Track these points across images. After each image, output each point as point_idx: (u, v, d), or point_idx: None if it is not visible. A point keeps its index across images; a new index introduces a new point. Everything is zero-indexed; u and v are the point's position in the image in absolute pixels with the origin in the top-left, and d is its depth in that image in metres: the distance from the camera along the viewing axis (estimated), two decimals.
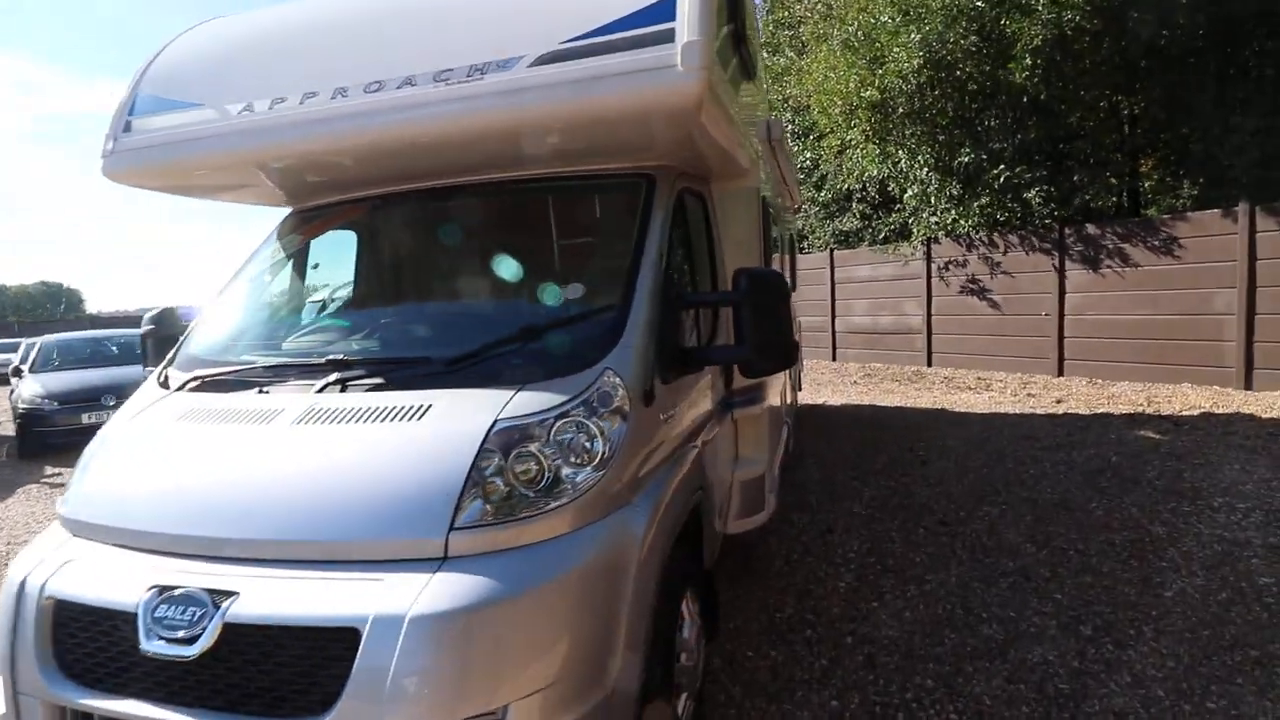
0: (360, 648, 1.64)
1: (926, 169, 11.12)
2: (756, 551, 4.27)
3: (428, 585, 1.71)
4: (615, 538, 1.97)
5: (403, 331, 2.67)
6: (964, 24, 9.52)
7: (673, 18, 2.23)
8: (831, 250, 14.12)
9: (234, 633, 1.75)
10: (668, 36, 2.22)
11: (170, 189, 3.04)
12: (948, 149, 10.64)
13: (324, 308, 3.07)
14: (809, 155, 14.81)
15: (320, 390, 2.31)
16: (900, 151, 11.27)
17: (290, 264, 3.15)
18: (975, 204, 10.49)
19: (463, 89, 2.38)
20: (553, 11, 2.42)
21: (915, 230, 11.83)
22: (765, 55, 17.77)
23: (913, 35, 9.50)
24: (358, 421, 2.10)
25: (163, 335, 3.12)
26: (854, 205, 14.78)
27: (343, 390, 2.30)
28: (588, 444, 2.03)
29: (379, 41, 2.67)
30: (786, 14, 15.17)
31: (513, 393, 2.09)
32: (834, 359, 13.84)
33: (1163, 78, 9.64)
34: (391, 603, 1.68)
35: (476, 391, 2.14)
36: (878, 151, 11.81)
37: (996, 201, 10.35)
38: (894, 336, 12.62)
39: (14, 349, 14.08)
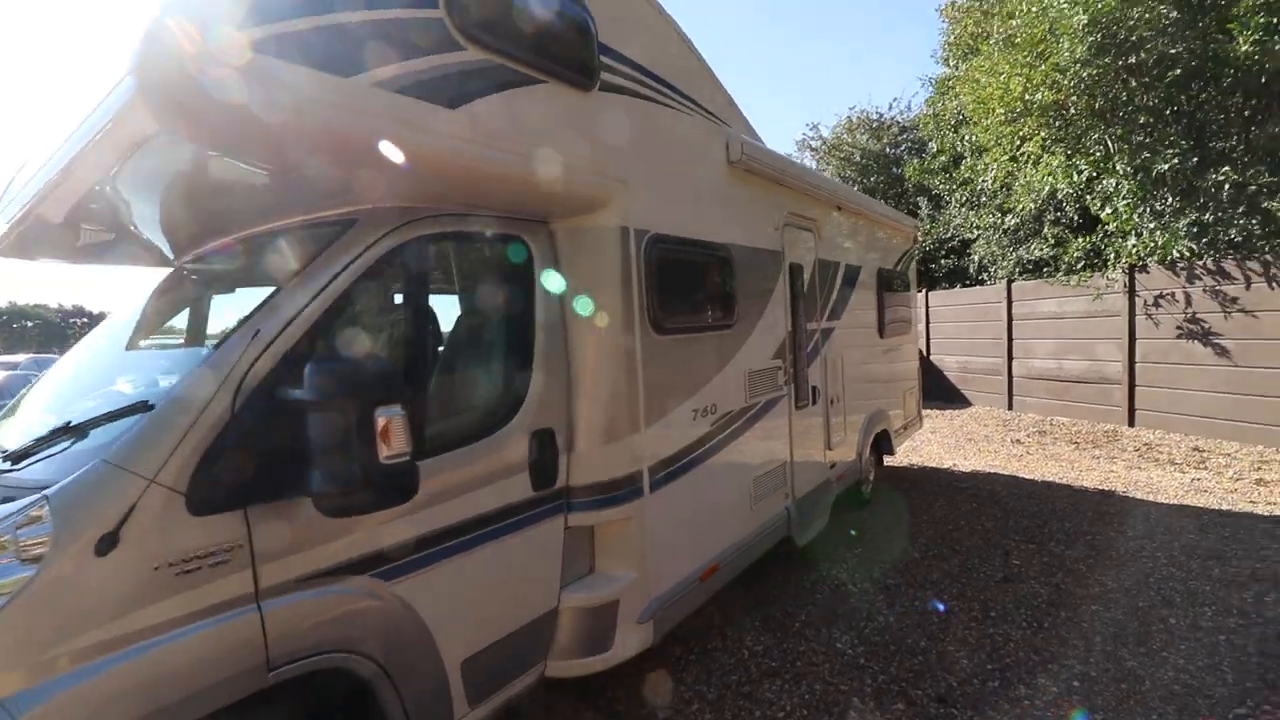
0: None
1: (1123, 179, 8.15)
2: (646, 689, 3.05)
3: None
4: None
5: (48, 414, 2.19)
6: None
7: None
8: (1009, 282, 11.17)
9: None
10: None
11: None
12: (1151, 151, 7.65)
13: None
14: (989, 175, 11.99)
15: None
16: (1082, 161, 8.43)
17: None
18: (1190, 220, 7.37)
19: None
20: None
21: (1111, 256, 8.76)
22: (948, 66, 15.02)
23: (1078, 17, 6.94)
24: None
25: None
26: (1045, 229, 11.58)
27: None
28: None
29: None
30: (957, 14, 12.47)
31: None
32: (1010, 407, 10.89)
33: None
34: None
35: None
36: (1061, 163, 8.99)
37: (1224, 216, 7.15)
38: (1085, 386, 9.48)
39: None
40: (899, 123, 18.85)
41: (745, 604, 3.91)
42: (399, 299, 2.13)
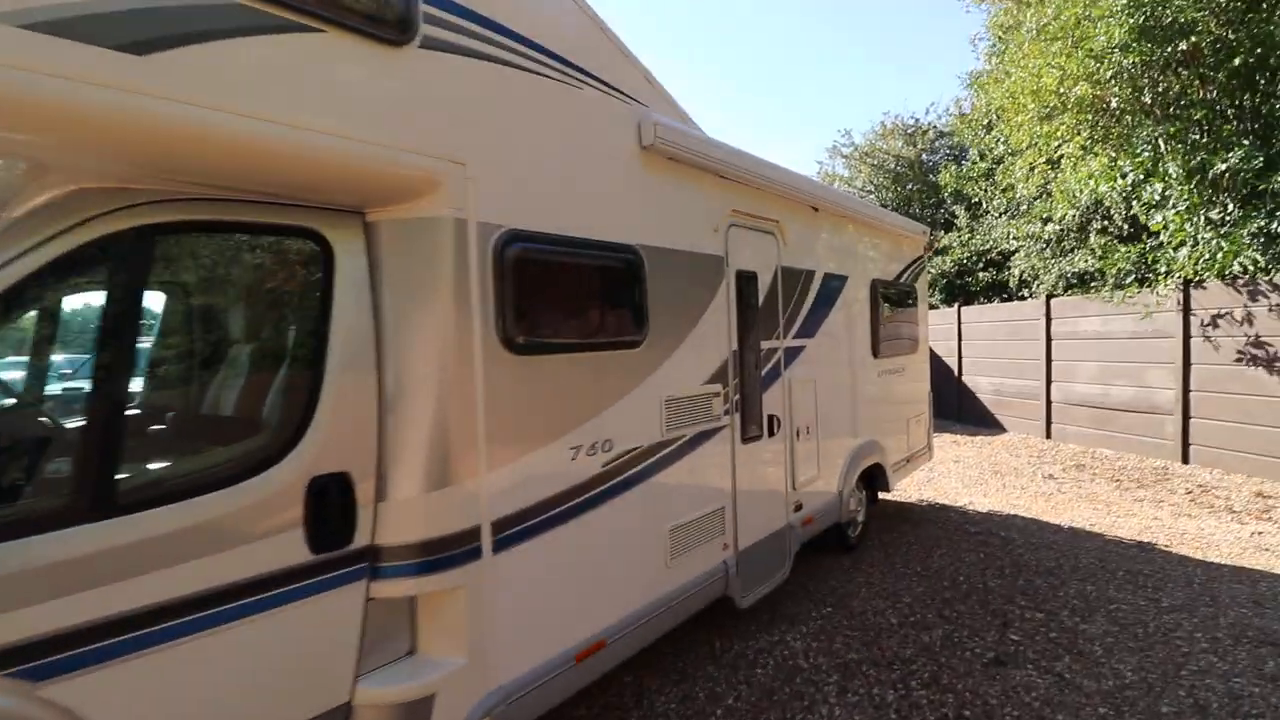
0: None
1: (1175, 183, 7.18)
2: None
3: None
4: None
5: None
6: None
7: None
8: (1048, 297, 10.16)
9: None
10: None
11: None
12: (1208, 151, 6.70)
13: None
14: (1026, 180, 11.00)
15: None
16: (1128, 163, 7.49)
17: None
18: (1253, 228, 6.38)
19: None
20: None
21: (1161, 269, 7.76)
22: (990, 64, 14.02)
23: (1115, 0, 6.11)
24: None
25: None
26: (1091, 239, 10.53)
27: None
28: None
29: None
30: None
31: None
32: (1048, 436, 9.82)
33: None
34: None
35: None
36: (1103, 165, 8.05)
37: None
38: (1132, 415, 8.42)
39: None
40: (936, 127, 17.85)
41: (669, 676, 3.28)
42: (96, 305, 1.65)
